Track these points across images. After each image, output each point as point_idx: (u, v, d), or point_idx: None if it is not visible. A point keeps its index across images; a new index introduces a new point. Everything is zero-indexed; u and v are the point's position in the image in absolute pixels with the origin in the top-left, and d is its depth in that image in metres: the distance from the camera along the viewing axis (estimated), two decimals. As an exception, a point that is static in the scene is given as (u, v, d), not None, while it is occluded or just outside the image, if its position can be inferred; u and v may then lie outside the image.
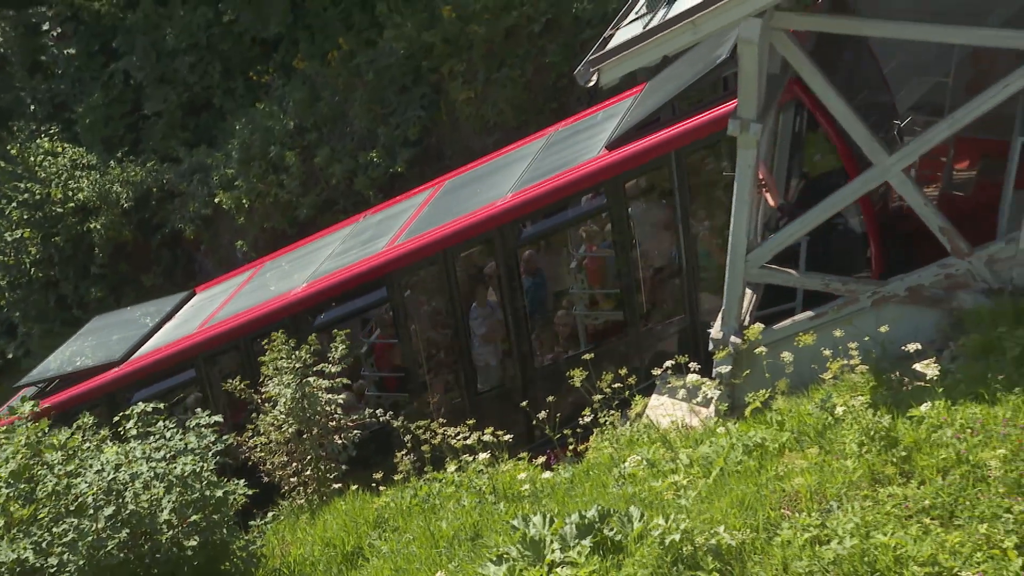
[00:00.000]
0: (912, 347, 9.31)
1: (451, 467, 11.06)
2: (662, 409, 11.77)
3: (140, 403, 11.20)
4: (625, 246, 13.84)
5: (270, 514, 12.67)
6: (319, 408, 12.63)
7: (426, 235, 14.32)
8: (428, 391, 14.87)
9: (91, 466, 9.84)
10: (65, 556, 9.13)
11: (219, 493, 10.17)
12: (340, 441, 12.86)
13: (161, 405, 12.15)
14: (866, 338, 10.06)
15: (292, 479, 12.85)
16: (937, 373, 8.82)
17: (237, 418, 15.70)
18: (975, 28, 10.67)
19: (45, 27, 28.13)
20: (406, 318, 14.88)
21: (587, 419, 10.99)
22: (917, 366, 8.93)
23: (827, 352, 10.00)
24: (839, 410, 8.96)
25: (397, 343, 15.36)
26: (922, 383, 8.90)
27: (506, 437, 10.97)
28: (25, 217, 26.64)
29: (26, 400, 15.45)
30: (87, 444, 10.37)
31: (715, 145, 13.11)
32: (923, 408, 8.47)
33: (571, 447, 11.10)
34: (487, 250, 14.49)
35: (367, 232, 16.28)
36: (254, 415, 13.18)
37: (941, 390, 8.72)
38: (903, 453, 8.02)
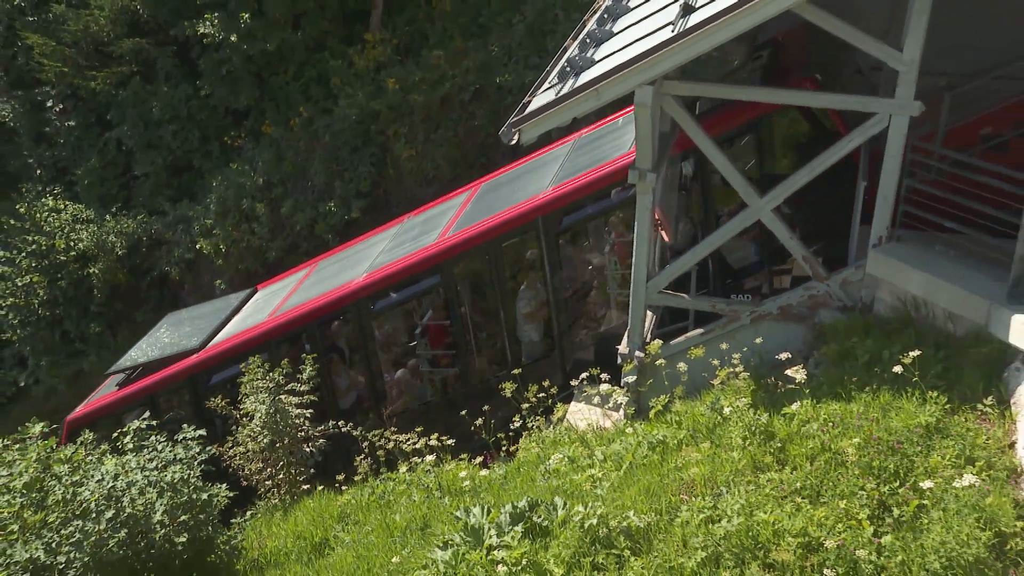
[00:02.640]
0: (784, 356, 9.40)
1: (403, 468, 11.01)
2: (580, 414, 11.72)
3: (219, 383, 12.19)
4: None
5: (249, 513, 12.57)
6: (290, 421, 12.58)
7: (477, 225, 14.06)
8: (476, 366, 14.59)
9: (93, 476, 9.79)
10: (72, 554, 9.12)
11: (204, 496, 10.21)
12: (308, 449, 12.81)
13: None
14: (746, 349, 10.11)
15: (267, 482, 12.75)
16: (804, 377, 8.89)
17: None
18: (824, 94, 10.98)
19: (49, 103, 28.04)
20: (458, 301, 14.51)
21: (517, 424, 11.04)
22: (788, 372, 8.98)
23: (715, 362, 10.03)
24: (726, 410, 9.00)
25: (449, 324, 14.91)
26: (792, 386, 8.95)
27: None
28: (33, 265, 26.45)
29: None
30: (90, 457, 10.28)
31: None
32: (794, 407, 8.57)
33: (504, 448, 11.14)
34: (531, 237, 14.02)
35: (414, 230, 15.82)
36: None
37: (808, 391, 8.82)
38: (778, 445, 8.15)
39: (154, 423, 11.31)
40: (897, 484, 7.30)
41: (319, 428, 12.94)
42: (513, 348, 14.38)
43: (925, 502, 7.04)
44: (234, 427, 13.02)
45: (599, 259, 14.75)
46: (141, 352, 17.24)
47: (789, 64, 13.04)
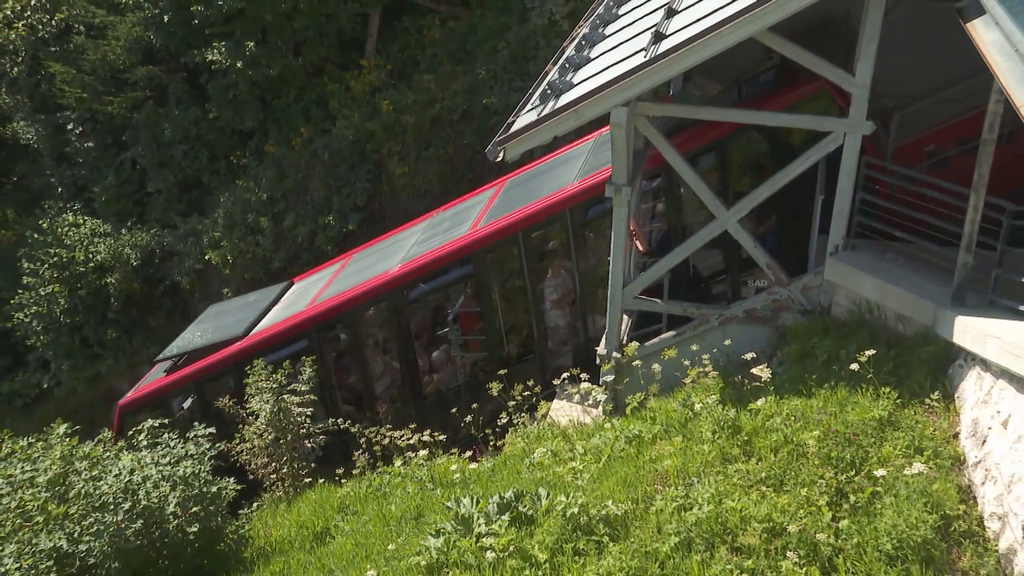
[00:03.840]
0: (750, 356, 9.42)
1: (398, 462, 10.98)
2: (562, 411, 11.73)
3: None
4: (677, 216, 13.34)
5: (255, 504, 12.55)
6: (292, 419, 12.56)
7: (507, 216, 13.82)
8: (505, 350, 14.39)
9: (111, 471, 9.79)
10: (92, 543, 9.14)
11: (214, 489, 10.18)
12: (309, 445, 12.80)
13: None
14: (715, 350, 10.17)
15: (272, 476, 12.74)
16: (768, 375, 8.94)
17: (341, 380, 15.40)
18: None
19: (69, 127, 27.94)
20: (490, 288, 14.29)
21: (504, 421, 11.05)
22: (754, 371, 8.99)
23: (687, 362, 10.04)
24: (697, 407, 9.04)
25: (480, 311, 14.62)
26: (758, 383, 8.97)
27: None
28: (55, 276, 26.38)
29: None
30: (107, 454, 10.27)
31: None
32: (759, 403, 8.61)
33: (492, 443, 11.15)
34: (560, 228, 13.75)
35: (445, 223, 15.57)
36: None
37: (772, 388, 8.88)
38: (745, 438, 8.18)
39: (166, 420, 11.30)
40: (853, 473, 7.36)
41: (319, 426, 12.91)
42: (540, 334, 14.16)
43: (878, 489, 7.10)
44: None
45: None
46: (187, 340, 17.02)
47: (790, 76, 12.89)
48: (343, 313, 14.79)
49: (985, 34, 7.51)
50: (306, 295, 16.50)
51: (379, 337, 15.63)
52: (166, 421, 11.31)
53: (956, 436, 7.77)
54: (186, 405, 15.86)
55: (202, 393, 15.41)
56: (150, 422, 11.12)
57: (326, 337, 15.28)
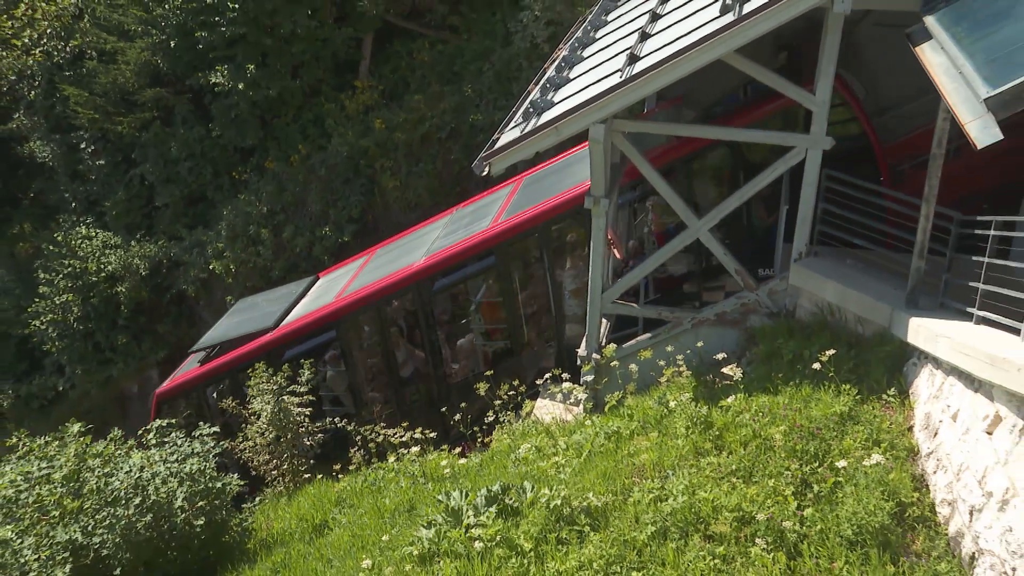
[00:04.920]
0: (720, 356, 9.49)
1: (391, 458, 10.97)
2: (545, 409, 11.74)
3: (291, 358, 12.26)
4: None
5: (257, 499, 12.51)
6: (292, 419, 12.52)
7: (528, 210, 13.52)
8: (525, 338, 14.14)
9: (122, 468, 9.78)
10: (105, 536, 9.12)
11: (219, 485, 10.15)
12: (308, 442, 12.76)
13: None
14: (688, 351, 10.19)
15: (273, 472, 12.69)
16: (738, 374, 9.00)
17: (368, 368, 15.13)
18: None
19: (82, 145, 27.91)
20: (510, 280, 13.98)
21: (490, 418, 11.04)
22: (724, 370, 9.07)
23: (662, 362, 10.06)
24: (671, 404, 9.07)
25: (502, 300, 14.30)
26: (728, 382, 9.04)
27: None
28: (69, 285, 26.29)
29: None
30: (119, 452, 10.24)
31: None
32: (729, 400, 8.66)
33: (480, 440, 11.14)
34: (578, 221, 13.26)
35: (465, 218, 15.26)
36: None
37: (741, 386, 8.93)
38: (717, 433, 8.22)
39: (172, 421, 11.23)
40: (817, 464, 7.41)
41: (318, 424, 12.86)
42: (559, 322, 13.91)
43: (840, 479, 7.16)
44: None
45: (634, 242, 14.30)
46: (219, 332, 16.79)
47: (806, 66, 12.77)
48: (371, 304, 14.53)
49: (932, 57, 7.59)
50: (333, 288, 16.23)
51: (405, 326, 15.34)
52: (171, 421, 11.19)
53: (911, 429, 7.84)
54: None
55: (235, 381, 15.13)
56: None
57: (354, 327, 15.05)
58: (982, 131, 6.26)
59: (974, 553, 6.35)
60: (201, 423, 11.19)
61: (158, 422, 10.89)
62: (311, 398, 12.74)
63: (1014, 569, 5.85)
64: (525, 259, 14.33)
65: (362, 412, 14.48)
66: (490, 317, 14.84)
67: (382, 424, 11.79)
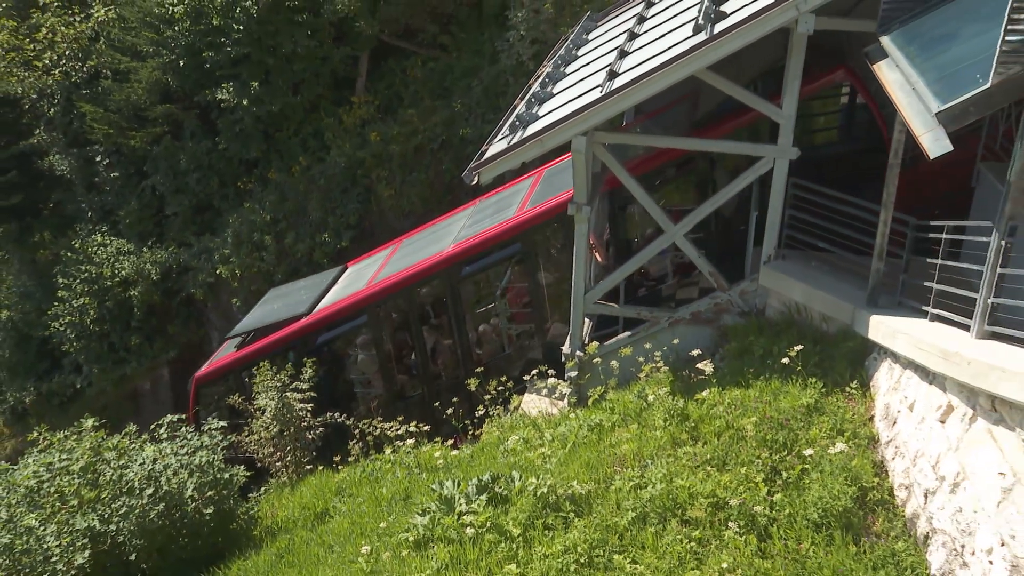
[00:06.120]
0: (695, 353, 9.55)
1: (388, 450, 10.97)
2: (532, 403, 11.75)
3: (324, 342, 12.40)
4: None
5: (263, 489, 12.50)
6: (295, 413, 12.49)
7: (551, 200, 13.25)
8: (548, 322, 13.94)
9: (136, 460, 9.78)
10: (120, 524, 9.17)
11: (226, 476, 10.15)
12: (310, 436, 12.74)
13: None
14: (665, 348, 10.19)
15: (277, 464, 12.67)
16: (712, 370, 8.99)
17: (399, 351, 14.96)
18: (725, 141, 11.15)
19: (98, 159, 27.90)
20: (536, 266, 13.76)
21: (480, 413, 11.04)
22: (699, 365, 9.08)
23: (641, 359, 10.12)
24: (650, 398, 9.10)
25: (527, 285, 14.07)
26: (703, 377, 9.06)
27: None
28: (86, 290, 26.26)
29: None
30: (133, 446, 10.22)
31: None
32: (704, 393, 8.70)
33: (470, 432, 11.14)
34: (601, 210, 13.22)
35: (489, 209, 15.03)
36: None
37: (715, 381, 8.94)
38: (692, 424, 8.26)
39: (180, 417, 11.17)
40: (785, 453, 7.45)
41: (319, 419, 12.82)
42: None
43: (807, 466, 7.20)
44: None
45: (650, 231, 14.01)
46: (254, 319, 16.60)
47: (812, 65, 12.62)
48: (404, 289, 14.35)
49: (889, 74, 7.64)
50: (363, 276, 16.00)
51: (435, 310, 15.22)
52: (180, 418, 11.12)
53: (871, 419, 7.89)
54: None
55: (272, 364, 14.90)
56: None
57: (388, 311, 14.91)
58: (934, 143, 6.31)
59: (928, 532, 6.40)
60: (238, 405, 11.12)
61: (169, 417, 10.86)
62: (312, 395, 12.70)
63: (963, 546, 5.90)
64: (550, 244, 14.15)
65: (392, 393, 14.40)
66: (515, 301, 14.72)
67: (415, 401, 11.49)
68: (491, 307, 14.81)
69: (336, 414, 12.36)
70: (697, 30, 9.42)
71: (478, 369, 12.25)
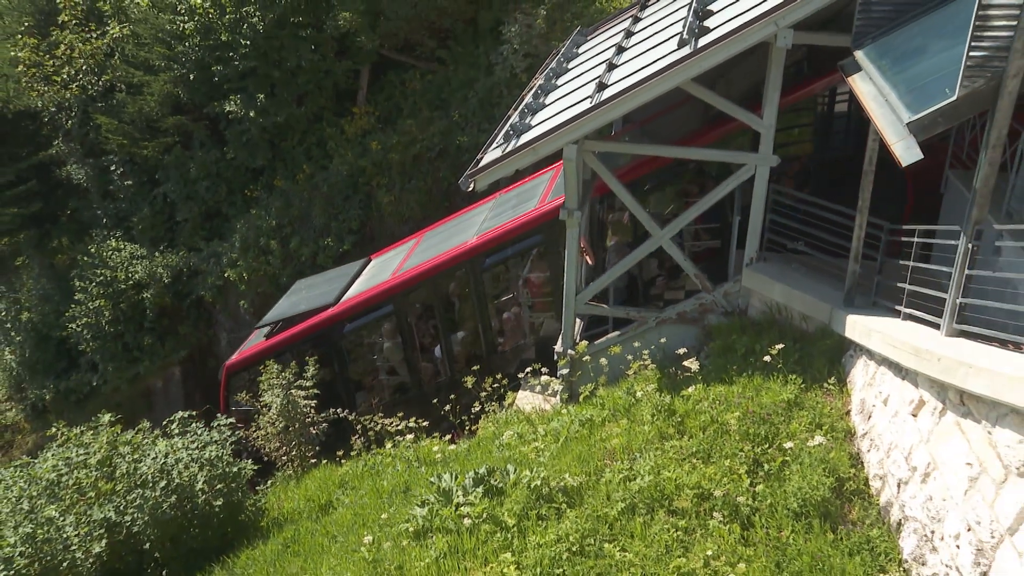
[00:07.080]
0: (682, 351, 9.58)
1: (388, 444, 10.96)
2: (526, 400, 11.74)
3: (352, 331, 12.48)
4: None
5: (269, 482, 12.48)
6: (299, 410, 12.47)
7: None
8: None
9: (149, 454, 9.82)
10: (135, 515, 9.21)
11: (235, 469, 10.17)
12: (314, 431, 12.72)
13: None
14: (653, 347, 10.24)
15: (283, 458, 12.66)
16: (697, 367, 9.06)
17: (423, 339, 14.80)
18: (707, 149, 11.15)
19: (112, 168, 27.90)
20: (556, 256, 13.33)
21: (477, 409, 11.03)
22: (685, 363, 9.13)
23: (630, 357, 10.14)
24: (638, 394, 9.12)
25: (548, 274, 13.72)
26: (688, 374, 9.09)
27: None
28: (101, 292, 26.23)
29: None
30: (146, 441, 10.23)
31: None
32: (690, 390, 8.71)
33: (467, 428, 11.12)
34: (613, 203, 13.01)
35: (511, 202, 14.78)
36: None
37: (700, 377, 8.98)
38: (679, 419, 8.27)
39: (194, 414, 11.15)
40: (767, 446, 7.48)
41: (322, 415, 12.79)
42: (603, 296, 13.18)
43: (787, 458, 7.22)
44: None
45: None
46: (281, 310, 16.43)
47: (817, 66, 12.26)
48: (430, 278, 14.18)
49: (862, 86, 7.67)
50: (387, 267, 15.79)
51: (459, 298, 14.98)
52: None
53: (848, 413, 7.91)
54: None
55: (301, 352, 14.52)
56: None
57: (414, 300, 14.74)
58: (906, 151, 6.34)
59: (900, 520, 6.43)
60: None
61: (180, 413, 10.84)
62: (316, 392, 12.67)
63: (933, 532, 5.93)
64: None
65: (417, 377, 14.28)
66: (536, 290, 14.48)
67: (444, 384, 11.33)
68: (514, 295, 14.60)
69: (338, 410, 12.31)
70: (682, 44, 9.44)
71: (502, 352, 12.07)
